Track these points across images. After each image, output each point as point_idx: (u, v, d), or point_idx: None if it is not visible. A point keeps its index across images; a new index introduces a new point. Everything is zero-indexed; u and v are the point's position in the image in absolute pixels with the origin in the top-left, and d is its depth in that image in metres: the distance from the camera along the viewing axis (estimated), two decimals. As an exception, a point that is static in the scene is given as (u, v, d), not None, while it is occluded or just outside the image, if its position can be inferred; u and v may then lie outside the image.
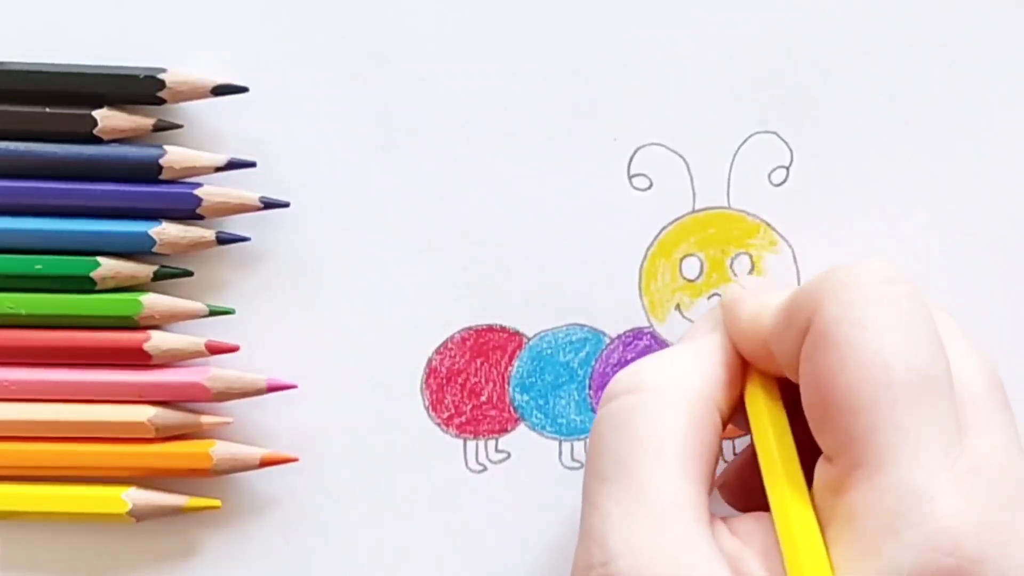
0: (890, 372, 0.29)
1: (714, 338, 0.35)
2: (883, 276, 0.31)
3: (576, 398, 0.40)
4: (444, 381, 0.40)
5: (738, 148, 0.40)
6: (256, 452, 0.39)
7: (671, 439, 0.32)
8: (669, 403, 0.32)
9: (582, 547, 0.32)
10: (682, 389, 0.33)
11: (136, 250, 0.39)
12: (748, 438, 0.36)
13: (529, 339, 0.40)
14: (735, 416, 0.35)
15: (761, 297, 0.35)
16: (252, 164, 0.39)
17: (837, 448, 0.30)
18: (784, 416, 0.33)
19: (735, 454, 0.40)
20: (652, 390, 0.33)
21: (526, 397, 0.40)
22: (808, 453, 0.32)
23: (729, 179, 0.40)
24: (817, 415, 0.31)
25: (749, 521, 0.32)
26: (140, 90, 0.39)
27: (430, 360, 0.40)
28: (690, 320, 0.40)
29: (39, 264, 0.39)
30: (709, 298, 0.40)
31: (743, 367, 0.35)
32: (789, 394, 0.34)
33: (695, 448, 0.32)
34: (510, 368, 0.40)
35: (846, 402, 0.30)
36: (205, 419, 0.39)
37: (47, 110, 0.39)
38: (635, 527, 0.30)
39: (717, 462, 0.33)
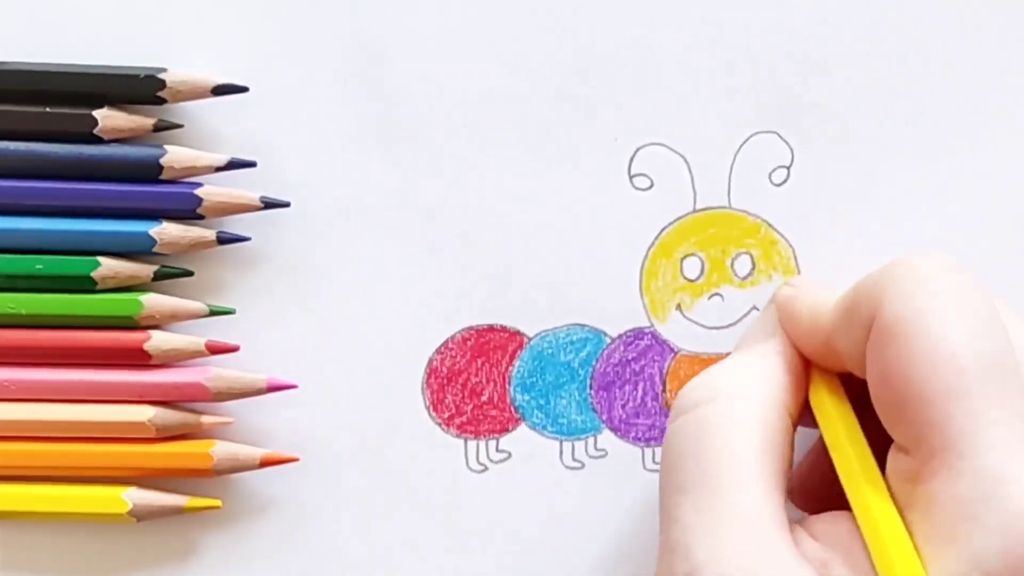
0: (959, 360, 0.30)
1: (775, 342, 0.36)
2: (942, 266, 0.31)
3: (577, 398, 0.40)
4: (445, 381, 0.40)
5: (739, 148, 0.40)
6: (256, 452, 0.39)
7: (748, 449, 0.32)
8: (743, 413, 0.33)
9: (663, 561, 0.32)
10: (753, 398, 0.33)
11: (136, 250, 0.39)
12: (809, 442, 0.37)
13: (530, 339, 0.40)
14: (803, 416, 0.35)
15: (816, 295, 0.35)
16: (252, 164, 0.39)
17: (912, 439, 0.30)
18: (851, 413, 0.34)
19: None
20: (725, 400, 0.33)
21: (527, 397, 0.40)
22: (875, 446, 0.32)
23: (730, 179, 0.40)
24: (889, 408, 0.31)
25: (826, 523, 0.32)
26: (140, 90, 0.39)
27: (431, 360, 0.40)
28: (691, 320, 0.40)
29: (39, 264, 0.39)
30: (710, 298, 0.40)
31: (806, 367, 0.35)
32: (852, 389, 0.34)
33: (771, 456, 0.32)
34: (511, 368, 0.40)
35: (917, 393, 0.30)
36: (205, 419, 0.39)
37: (47, 110, 0.39)
38: (719, 537, 0.31)
39: (791, 465, 0.33)
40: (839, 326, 0.33)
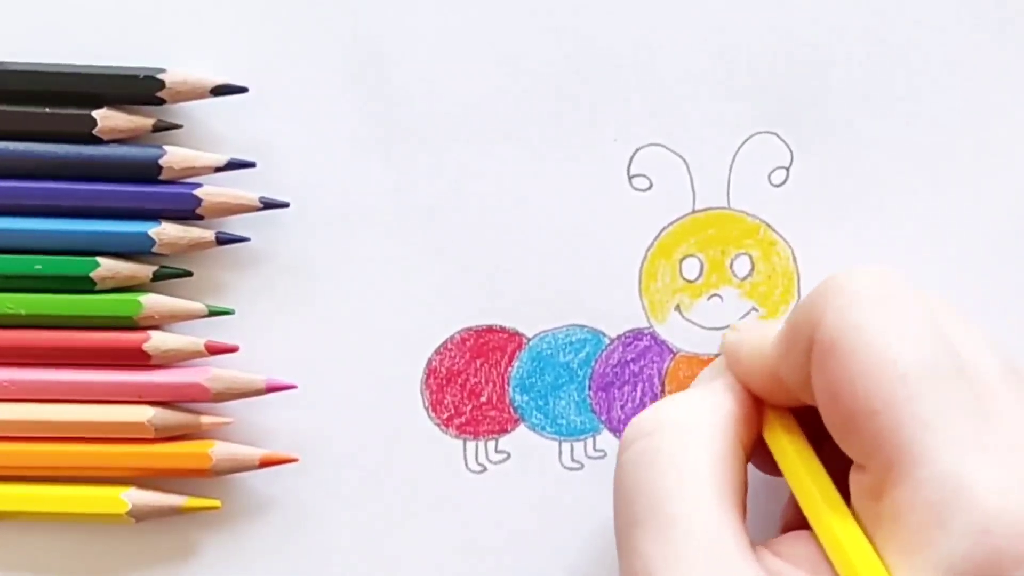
0: (899, 366, 0.30)
1: (724, 380, 0.35)
2: (875, 278, 0.31)
3: (576, 399, 0.40)
4: (444, 381, 0.40)
5: (738, 148, 0.40)
6: (256, 452, 0.39)
7: (700, 472, 0.32)
8: (691, 438, 0.33)
9: None
10: (701, 425, 0.33)
11: (136, 250, 0.39)
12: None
13: (529, 339, 0.40)
14: (756, 455, 0.35)
15: (758, 332, 0.35)
16: (252, 164, 0.39)
17: (867, 453, 0.30)
18: (807, 444, 0.33)
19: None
20: (671, 429, 0.33)
21: (526, 398, 0.40)
22: (838, 478, 0.32)
23: (729, 179, 0.40)
24: (839, 425, 0.31)
25: (790, 540, 0.32)
26: (140, 90, 0.39)
27: (430, 360, 0.40)
28: (690, 321, 0.40)
29: (39, 264, 0.39)
30: (709, 299, 0.40)
31: (757, 406, 0.35)
32: (808, 424, 0.34)
33: (724, 477, 0.32)
34: (510, 368, 0.40)
35: (864, 406, 0.30)
36: (205, 419, 0.39)
37: (47, 110, 0.39)
38: (680, 565, 0.30)
39: (747, 491, 0.33)
40: (781, 354, 0.33)
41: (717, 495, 0.31)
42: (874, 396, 0.30)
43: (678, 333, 0.40)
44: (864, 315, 0.30)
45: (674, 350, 0.40)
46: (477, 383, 0.40)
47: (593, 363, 0.40)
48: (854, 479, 0.31)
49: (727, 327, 0.40)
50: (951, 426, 0.29)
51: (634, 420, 0.34)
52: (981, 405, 0.30)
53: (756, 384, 0.35)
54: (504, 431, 0.40)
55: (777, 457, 0.34)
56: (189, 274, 0.40)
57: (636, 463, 0.33)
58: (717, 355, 0.40)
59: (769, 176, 0.40)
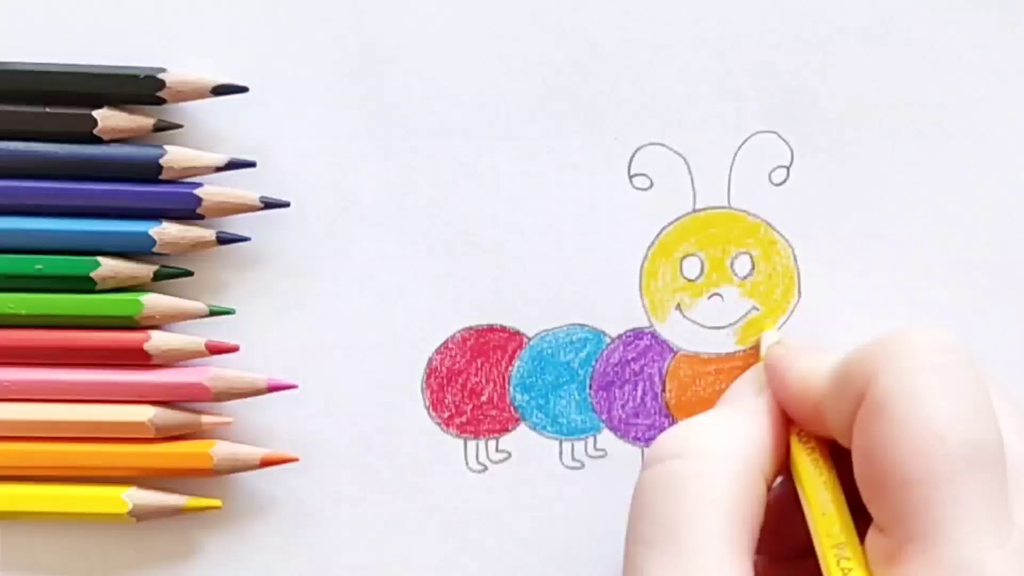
0: (946, 444, 0.29)
1: (760, 401, 0.35)
2: (937, 345, 0.31)
3: (576, 398, 0.40)
4: (444, 381, 0.40)
5: (738, 148, 0.40)
6: (256, 452, 0.39)
7: (717, 508, 0.32)
8: (716, 471, 0.32)
9: None
10: (729, 457, 0.33)
11: (136, 250, 0.39)
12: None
13: (529, 339, 0.40)
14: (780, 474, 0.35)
15: (808, 359, 0.35)
16: (252, 164, 0.39)
17: (891, 520, 0.30)
18: (834, 480, 0.33)
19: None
20: (699, 456, 0.33)
21: (526, 397, 0.40)
22: (858, 511, 0.32)
23: (729, 179, 0.40)
24: (871, 486, 0.31)
25: None
26: (140, 90, 0.39)
27: (430, 360, 0.40)
28: (691, 320, 0.40)
29: (39, 264, 0.39)
30: (709, 298, 0.40)
31: (788, 428, 0.35)
32: (836, 454, 0.34)
33: (741, 517, 0.32)
34: (510, 368, 0.40)
35: (901, 475, 0.29)
36: (205, 419, 0.39)
37: (47, 110, 0.39)
38: None
39: (760, 530, 0.33)
40: (830, 395, 0.33)
41: (729, 534, 0.31)
42: (913, 468, 0.29)
43: (679, 332, 0.40)
44: (919, 383, 0.30)
45: (675, 349, 0.40)
46: (478, 382, 0.40)
47: (594, 362, 0.40)
48: (872, 538, 0.31)
49: (727, 326, 0.40)
50: (980, 514, 0.29)
51: (663, 437, 0.34)
52: (1009, 494, 0.30)
53: (796, 412, 0.34)
54: (505, 430, 0.40)
55: (800, 487, 0.33)
56: (190, 274, 0.40)
57: (657, 484, 0.33)
58: (720, 355, 0.40)
59: (769, 175, 0.40)
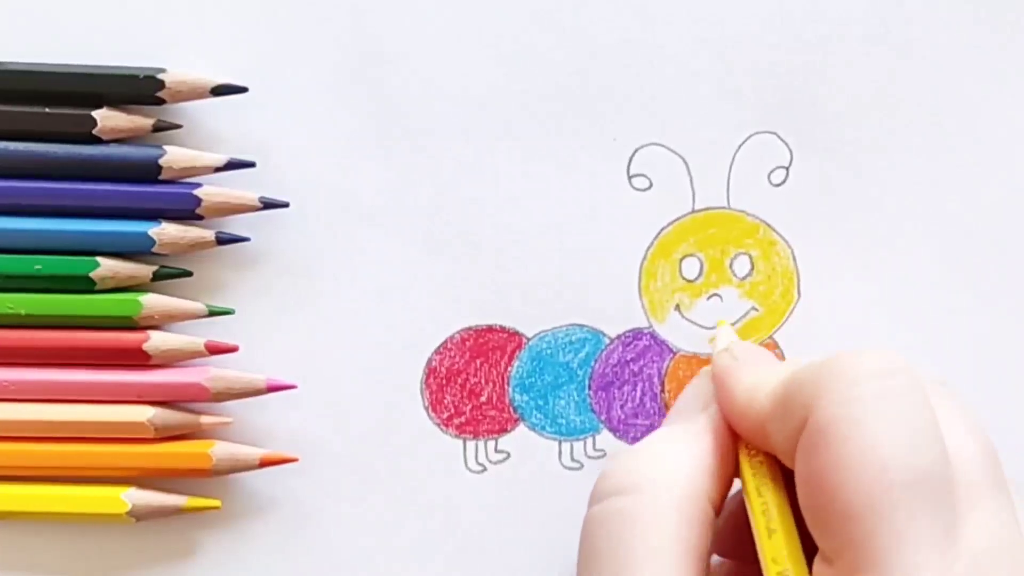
0: (889, 474, 0.28)
1: (705, 419, 0.34)
2: (880, 369, 0.30)
3: (576, 398, 0.40)
4: (444, 381, 0.40)
5: (738, 148, 0.40)
6: (256, 452, 0.39)
7: (664, 544, 0.31)
8: (659, 505, 0.32)
9: None
10: (673, 488, 0.32)
11: (136, 250, 0.39)
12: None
13: (529, 339, 0.40)
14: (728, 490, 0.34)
15: (755, 372, 0.34)
16: (252, 164, 0.39)
17: (834, 550, 0.29)
18: (782, 497, 0.32)
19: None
20: (641, 490, 0.32)
21: (526, 397, 0.40)
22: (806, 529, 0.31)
23: (729, 179, 0.40)
24: (814, 514, 0.30)
25: None
26: (140, 90, 0.39)
27: (430, 360, 0.40)
28: (690, 321, 0.40)
29: (39, 264, 0.39)
30: (709, 298, 0.40)
31: (735, 443, 0.34)
32: (787, 469, 0.33)
33: (689, 549, 0.31)
34: (510, 368, 0.40)
35: (844, 505, 0.29)
36: (205, 419, 0.39)
37: (47, 110, 0.39)
38: None
39: (711, 555, 0.33)
40: (773, 416, 0.32)
41: (678, 567, 0.31)
42: (856, 498, 0.29)
43: (678, 333, 0.40)
44: (860, 410, 0.29)
45: (674, 350, 0.40)
46: (477, 383, 0.40)
47: (593, 363, 0.40)
48: (818, 567, 0.30)
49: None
50: (924, 545, 0.28)
51: (605, 472, 0.33)
52: (956, 520, 0.29)
53: (742, 428, 0.34)
54: (504, 431, 0.40)
55: (748, 505, 0.33)
56: (189, 274, 0.40)
57: (602, 524, 0.32)
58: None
59: (769, 176, 0.40)
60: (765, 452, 0.33)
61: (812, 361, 0.31)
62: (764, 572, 0.31)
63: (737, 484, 0.34)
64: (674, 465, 0.33)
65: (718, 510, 0.33)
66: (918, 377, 0.30)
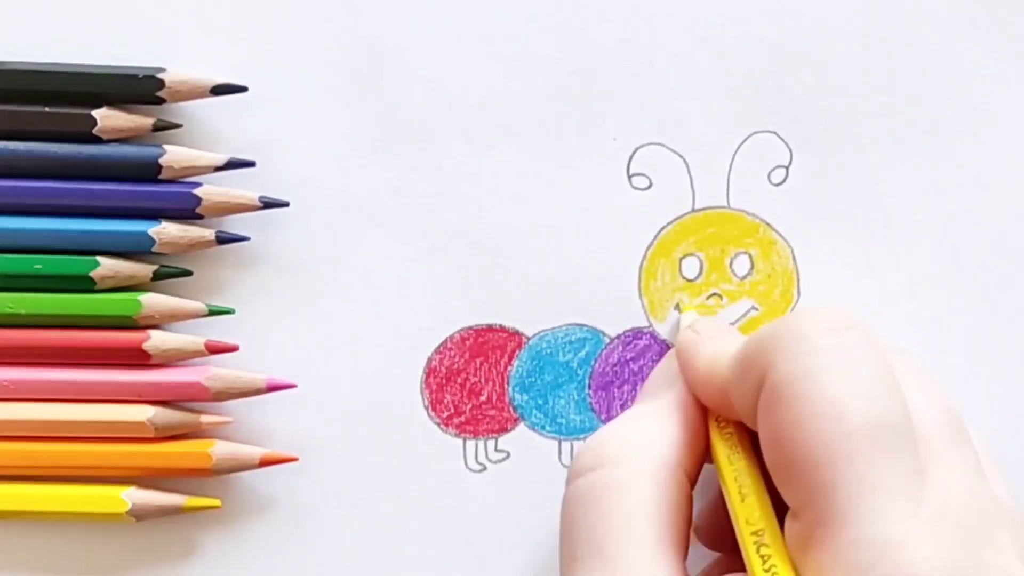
0: (845, 423, 0.29)
1: (672, 395, 0.35)
2: (831, 324, 0.30)
3: (576, 398, 0.40)
4: (444, 381, 0.40)
5: (738, 148, 0.40)
6: (256, 452, 0.39)
7: (640, 513, 0.31)
8: (634, 476, 0.32)
9: None
10: (645, 459, 0.33)
11: (136, 250, 0.39)
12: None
13: (529, 339, 0.40)
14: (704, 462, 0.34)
15: (715, 343, 0.34)
16: (252, 164, 0.39)
17: (800, 504, 0.29)
18: (753, 465, 0.33)
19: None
20: (615, 464, 0.32)
21: (526, 397, 0.40)
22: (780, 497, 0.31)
23: (729, 179, 0.40)
24: (778, 471, 0.30)
25: None
26: (140, 90, 0.39)
27: (430, 360, 0.40)
28: (690, 320, 0.40)
29: (39, 264, 0.39)
30: (708, 298, 0.40)
31: (705, 416, 0.34)
32: (756, 436, 0.33)
33: (666, 517, 0.32)
34: (510, 368, 0.40)
35: (804, 458, 0.29)
36: (205, 419, 0.39)
37: (47, 110, 0.39)
38: None
39: (690, 524, 0.33)
40: (733, 381, 0.32)
41: (656, 536, 0.31)
42: (815, 450, 0.29)
43: (678, 332, 0.40)
44: (815, 364, 0.30)
45: (674, 349, 0.40)
46: (477, 382, 0.40)
47: (593, 362, 0.40)
48: (788, 524, 0.30)
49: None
50: (887, 490, 0.28)
51: (581, 449, 0.34)
52: (920, 467, 0.29)
53: (707, 397, 0.34)
54: (504, 430, 0.40)
55: (720, 476, 0.33)
56: (189, 273, 0.40)
57: (578, 499, 0.32)
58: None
59: (769, 175, 0.40)
60: (735, 422, 0.34)
61: (766, 325, 0.32)
62: (738, 535, 0.31)
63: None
64: (646, 439, 0.33)
65: (693, 481, 0.34)
66: (871, 332, 0.31)
